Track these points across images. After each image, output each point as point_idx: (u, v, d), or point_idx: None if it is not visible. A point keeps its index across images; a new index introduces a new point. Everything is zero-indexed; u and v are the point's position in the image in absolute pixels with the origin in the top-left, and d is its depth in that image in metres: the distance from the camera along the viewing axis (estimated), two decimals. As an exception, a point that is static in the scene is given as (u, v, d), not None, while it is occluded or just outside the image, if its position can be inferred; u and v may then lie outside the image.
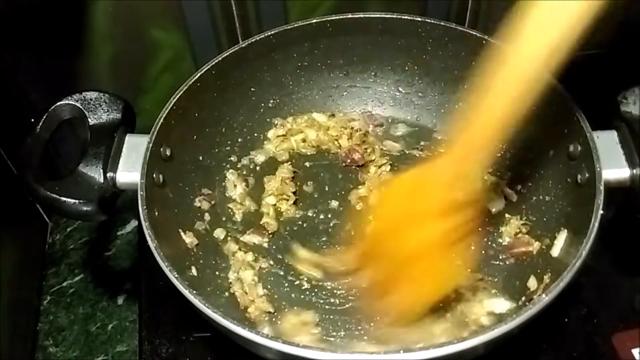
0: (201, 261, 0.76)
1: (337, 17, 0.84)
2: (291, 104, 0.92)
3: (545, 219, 0.77)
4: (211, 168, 0.85)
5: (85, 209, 0.68)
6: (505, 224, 0.80)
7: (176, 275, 0.62)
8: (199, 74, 0.79)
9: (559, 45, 0.55)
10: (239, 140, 0.89)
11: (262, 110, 0.90)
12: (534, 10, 0.56)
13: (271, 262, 0.80)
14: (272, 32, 0.83)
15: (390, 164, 0.87)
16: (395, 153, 0.89)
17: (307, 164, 0.89)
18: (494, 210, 0.81)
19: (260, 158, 0.89)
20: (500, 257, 0.78)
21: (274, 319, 0.74)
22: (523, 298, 0.72)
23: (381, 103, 0.93)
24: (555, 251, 0.73)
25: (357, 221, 0.79)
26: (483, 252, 0.77)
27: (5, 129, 0.85)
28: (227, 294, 0.76)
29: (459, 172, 0.62)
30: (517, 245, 0.77)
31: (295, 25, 0.84)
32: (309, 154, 0.90)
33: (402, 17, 0.84)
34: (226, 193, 0.85)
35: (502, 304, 0.72)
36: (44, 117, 0.72)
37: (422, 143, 0.90)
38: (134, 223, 0.96)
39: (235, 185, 0.86)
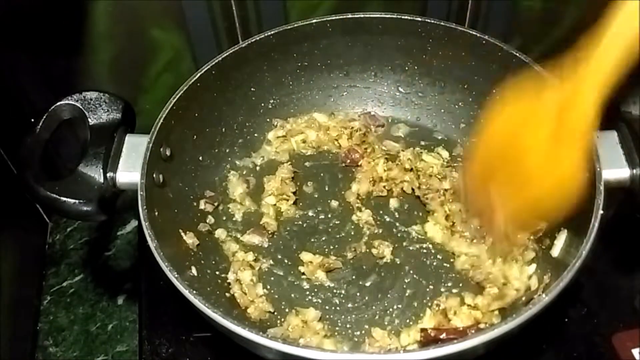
0: (201, 261, 0.76)
1: (337, 17, 0.85)
2: (291, 104, 0.92)
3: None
4: (211, 168, 0.85)
5: (85, 209, 0.68)
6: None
7: (176, 275, 0.62)
8: (199, 74, 0.79)
9: None
10: (239, 140, 0.89)
11: (262, 110, 0.90)
12: None
13: (271, 262, 0.80)
14: (272, 32, 0.83)
15: (385, 158, 0.87)
16: (395, 153, 0.89)
17: (307, 164, 0.89)
18: None
19: (260, 158, 0.89)
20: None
21: (277, 321, 0.74)
22: (523, 298, 0.72)
23: (381, 103, 0.93)
24: (555, 251, 0.73)
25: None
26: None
27: (5, 129, 0.85)
28: (227, 294, 0.76)
29: (574, 113, 0.60)
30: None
31: (295, 25, 0.84)
32: (309, 154, 0.90)
33: (402, 17, 0.84)
34: (226, 193, 0.85)
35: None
36: (44, 117, 0.72)
37: (422, 143, 0.90)
38: (134, 223, 0.96)
39: (235, 186, 0.86)
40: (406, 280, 0.77)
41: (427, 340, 0.69)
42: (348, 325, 0.74)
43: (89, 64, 0.89)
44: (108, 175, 0.70)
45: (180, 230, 0.76)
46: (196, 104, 0.80)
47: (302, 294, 0.77)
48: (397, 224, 0.82)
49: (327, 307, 0.75)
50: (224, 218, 0.84)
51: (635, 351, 0.73)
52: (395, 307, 0.75)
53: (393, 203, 0.84)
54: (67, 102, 0.74)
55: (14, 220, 0.87)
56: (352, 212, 0.84)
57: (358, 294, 0.76)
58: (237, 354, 0.64)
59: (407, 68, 0.90)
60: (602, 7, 0.57)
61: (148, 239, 0.65)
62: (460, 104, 0.89)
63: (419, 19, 0.84)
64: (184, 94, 0.77)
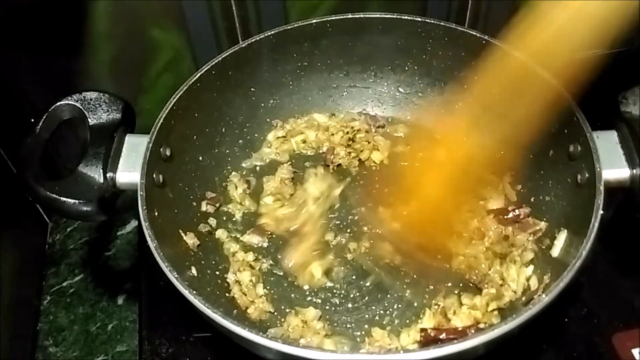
0: (201, 261, 0.76)
1: (337, 17, 0.85)
2: (291, 104, 0.92)
3: (545, 219, 0.77)
4: (211, 168, 0.85)
5: (85, 209, 0.68)
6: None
7: (176, 275, 0.62)
8: (199, 74, 0.79)
9: None
10: (239, 140, 0.89)
11: (262, 110, 0.90)
12: None
13: (271, 262, 0.80)
14: (272, 32, 0.83)
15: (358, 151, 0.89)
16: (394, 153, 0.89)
17: (307, 164, 0.89)
18: (494, 207, 0.81)
19: (260, 159, 0.89)
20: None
21: (277, 321, 0.74)
22: (523, 298, 0.72)
23: (381, 103, 0.93)
24: (555, 251, 0.73)
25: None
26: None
27: (5, 129, 0.85)
28: (227, 294, 0.76)
29: None
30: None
31: (295, 25, 0.84)
32: (309, 154, 0.90)
33: (402, 17, 0.84)
34: (226, 193, 0.85)
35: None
36: (44, 117, 0.72)
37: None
38: (134, 223, 0.96)
39: (236, 186, 0.86)
40: (406, 281, 0.77)
41: (427, 340, 0.69)
42: (348, 326, 0.74)
43: (89, 64, 0.89)
44: (108, 175, 0.70)
45: (181, 231, 0.76)
46: (196, 104, 0.80)
47: (302, 294, 0.77)
48: (397, 224, 0.82)
49: (327, 308, 0.75)
50: (224, 218, 0.84)
51: (635, 351, 0.73)
52: (395, 307, 0.75)
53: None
54: (67, 102, 0.74)
55: (14, 220, 0.87)
56: (352, 212, 0.84)
57: (358, 294, 0.76)
58: (237, 354, 0.64)
59: (407, 68, 0.90)
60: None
61: (148, 239, 0.65)
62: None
63: (419, 19, 0.84)
64: (184, 94, 0.77)
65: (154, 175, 0.72)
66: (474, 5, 0.94)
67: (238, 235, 0.82)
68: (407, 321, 0.73)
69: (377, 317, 0.74)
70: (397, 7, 0.87)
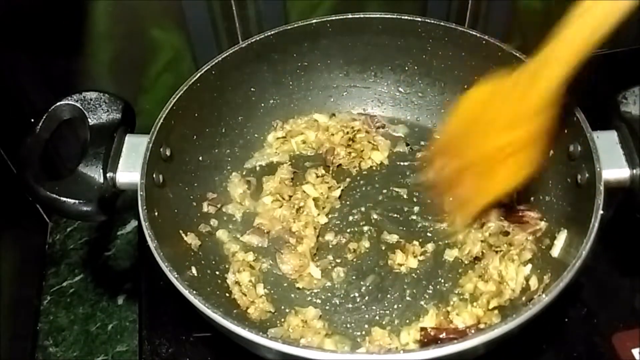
0: (201, 261, 0.76)
1: (337, 17, 0.84)
2: (291, 104, 0.92)
3: (545, 219, 0.77)
4: (211, 168, 0.85)
5: (85, 209, 0.68)
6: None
7: (176, 275, 0.62)
8: (199, 74, 0.79)
9: None
10: (240, 140, 0.89)
11: (262, 110, 0.90)
12: None
13: (271, 262, 0.80)
14: (272, 32, 0.83)
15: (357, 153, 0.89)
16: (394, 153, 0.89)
17: (307, 164, 0.89)
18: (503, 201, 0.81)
19: (260, 159, 0.89)
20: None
21: (277, 321, 0.74)
22: (523, 298, 0.72)
23: (381, 103, 0.93)
24: (555, 251, 0.73)
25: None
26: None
27: (5, 129, 0.85)
28: (227, 294, 0.76)
29: (536, 87, 0.65)
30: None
31: (295, 25, 0.84)
32: (309, 154, 0.90)
33: (402, 17, 0.84)
34: (227, 193, 0.85)
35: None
36: (44, 117, 0.72)
37: (422, 143, 0.90)
38: (134, 223, 0.96)
39: (236, 187, 0.86)
40: (406, 280, 0.77)
41: (427, 340, 0.69)
42: (348, 325, 0.74)
43: (89, 64, 0.89)
44: (108, 175, 0.70)
45: (181, 231, 0.76)
46: (196, 104, 0.80)
47: (302, 294, 0.77)
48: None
49: (327, 308, 0.75)
50: (225, 218, 0.84)
51: (635, 351, 0.73)
52: (395, 307, 0.75)
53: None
54: (67, 102, 0.74)
55: (14, 220, 0.87)
56: (351, 213, 0.84)
57: (358, 294, 0.76)
58: (237, 354, 0.64)
59: (407, 68, 0.90)
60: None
61: (148, 239, 0.65)
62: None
63: (419, 19, 0.84)
64: (184, 94, 0.77)
65: (154, 175, 0.72)
66: (474, 5, 0.94)
67: (238, 236, 0.82)
68: (407, 321, 0.73)
69: (377, 317, 0.74)
70: (397, 7, 0.87)
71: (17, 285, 0.85)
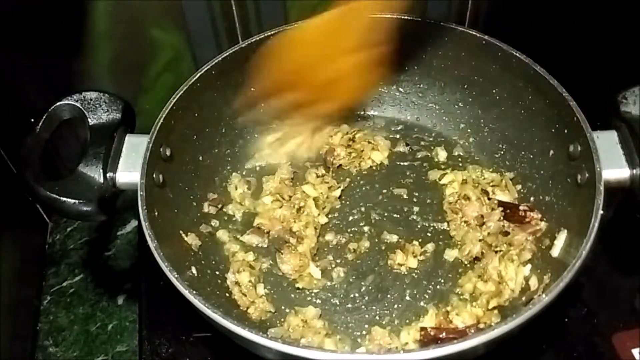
0: (201, 261, 0.76)
1: (337, 17, 0.84)
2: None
3: (545, 219, 0.77)
4: (211, 168, 0.85)
5: (85, 209, 0.68)
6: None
7: (176, 275, 0.62)
8: (199, 74, 0.79)
9: None
10: (240, 140, 0.88)
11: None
12: None
13: (271, 262, 0.80)
14: (272, 32, 0.83)
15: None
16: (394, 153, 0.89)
17: (307, 164, 0.89)
18: (504, 199, 0.82)
19: (260, 159, 0.89)
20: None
21: (277, 321, 0.74)
22: (523, 298, 0.72)
23: (381, 103, 0.93)
24: (555, 251, 0.73)
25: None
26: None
27: (5, 129, 0.85)
28: (227, 294, 0.76)
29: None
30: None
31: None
32: (308, 155, 0.90)
33: (403, 17, 0.84)
34: (227, 193, 0.85)
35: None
36: (44, 117, 0.72)
37: (422, 143, 0.90)
38: (134, 223, 0.96)
39: (236, 187, 0.86)
40: (406, 280, 0.77)
41: (427, 340, 0.69)
42: (348, 325, 0.74)
43: (89, 64, 0.89)
44: (108, 175, 0.70)
45: (181, 231, 0.76)
46: (196, 104, 0.80)
47: (302, 294, 0.77)
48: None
49: (327, 308, 0.75)
50: (225, 218, 0.84)
51: (635, 351, 0.73)
52: (395, 307, 0.75)
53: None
54: (67, 102, 0.74)
55: (14, 220, 0.87)
56: (351, 213, 0.84)
57: (358, 294, 0.76)
58: (237, 354, 0.64)
59: (407, 68, 0.90)
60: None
61: (148, 239, 0.65)
62: (460, 104, 0.89)
63: (419, 19, 0.84)
64: (184, 94, 0.77)
65: (154, 175, 0.72)
66: (474, 5, 0.94)
67: (238, 236, 0.82)
68: (407, 321, 0.73)
69: (377, 317, 0.74)
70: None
71: (17, 285, 0.85)
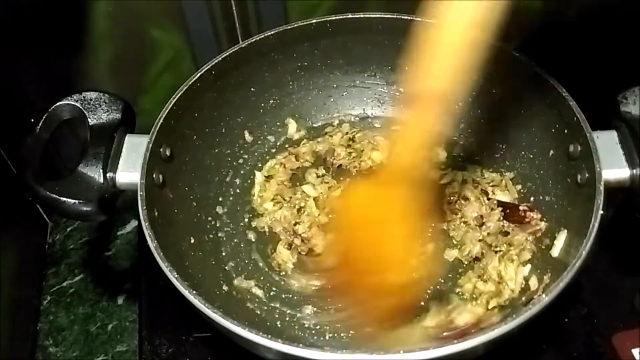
0: (202, 261, 0.76)
1: (337, 17, 0.84)
2: (291, 104, 0.92)
3: (545, 219, 0.77)
4: (211, 168, 0.85)
5: (85, 209, 0.68)
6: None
7: (176, 276, 0.62)
8: (199, 74, 0.79)
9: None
10: (240, 140, 0.89)
11: (262, 110, 0.90)
12: None
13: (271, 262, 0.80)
14: (272, 32, 0.83)
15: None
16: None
17: (307, 164, 0.89)
18: (504, 199, 0.82)
19: (260, 159, 0.89)
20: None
21: (277, 321, 0.74)
22: (523, 298, 0.72)
23: (381, 103, 0.93)
24: (555, 251, 0.73)
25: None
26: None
27: (5, 129, 0.85)
28: (227, 294, 0.76)
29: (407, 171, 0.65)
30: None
31: (295, 25, 0.84)
32: (309, 155, 0.90)
33: (402, 17, 0.84)
34: (227, 193, 0.85)
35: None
36: (44, 117, 0.72)
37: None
38: (134, 223, 0.96)
39: (236, 187, 0.86)
40: (406, 280, 0.77)
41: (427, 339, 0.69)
42: (348, 325, 0.74)
43: (89, 64, 0.89)
44: (108, 175, 0.70)
45: (181, 231, 0.76)
46: (196, 104, 0.80)
47: (302, 294, 0.77)
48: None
49: (327, 307, 0.75)
50: (225, 219, 0.84)
51: (635, 351, 0.73)
52: (395, 307, 0.75)
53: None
54: (67, 102, 0.74)
55: (14, 220, 0.87)
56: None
57: (358, 294, 0.76)
58: (237, 354, 0.64)
59: (407, 68, 0.90)
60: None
61: (148, 239, 0.65)
62: (460, 104, 0.89)
63: (419, 19, 0.83)
64: (184, 94, 0.77)
65: (154, 175, 0.72)
66: (474, 5, 0.93)
67: (239, 236, 0.82)
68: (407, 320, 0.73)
69: (377, 317, 0.74)
70: (397, 7, 0.87)
71: (17, 285, 0.85)
